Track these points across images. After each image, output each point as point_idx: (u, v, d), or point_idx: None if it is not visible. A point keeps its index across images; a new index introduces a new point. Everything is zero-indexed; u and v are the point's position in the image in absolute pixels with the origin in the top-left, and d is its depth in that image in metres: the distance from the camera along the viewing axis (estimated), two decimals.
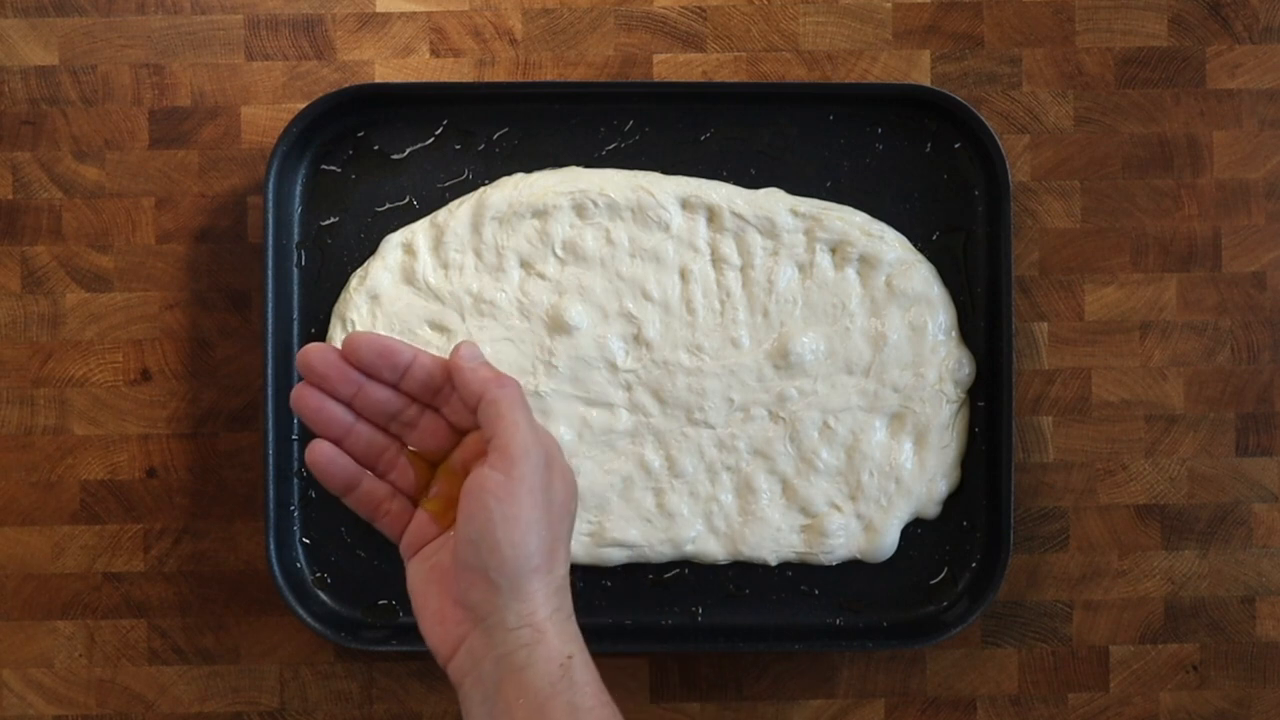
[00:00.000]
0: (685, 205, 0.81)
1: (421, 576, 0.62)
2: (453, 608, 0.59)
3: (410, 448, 0.64)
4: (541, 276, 0.81)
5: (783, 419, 0.81)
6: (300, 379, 0.63)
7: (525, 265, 0.81)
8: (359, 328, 0.81)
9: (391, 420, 0.63)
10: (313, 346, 0.61)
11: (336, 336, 0.81)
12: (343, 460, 0.63)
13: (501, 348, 0.80)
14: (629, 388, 0.81)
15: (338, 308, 0.82)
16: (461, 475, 0.62)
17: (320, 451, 0.62)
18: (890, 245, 0.81)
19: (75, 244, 0.83)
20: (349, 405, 0.62)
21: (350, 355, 0.61)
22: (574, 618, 0.60)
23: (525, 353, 0.81)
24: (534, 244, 0.81)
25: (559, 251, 0.81)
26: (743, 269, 0.81)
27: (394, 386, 0.62)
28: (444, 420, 0.63)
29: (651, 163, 0.82)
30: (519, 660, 0.57)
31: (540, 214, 0.81)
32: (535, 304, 0.81)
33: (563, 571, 0.59)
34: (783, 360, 0.81)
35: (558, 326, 0.80)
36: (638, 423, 0.81)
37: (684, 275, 0.81)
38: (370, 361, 0.61)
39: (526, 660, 0.57)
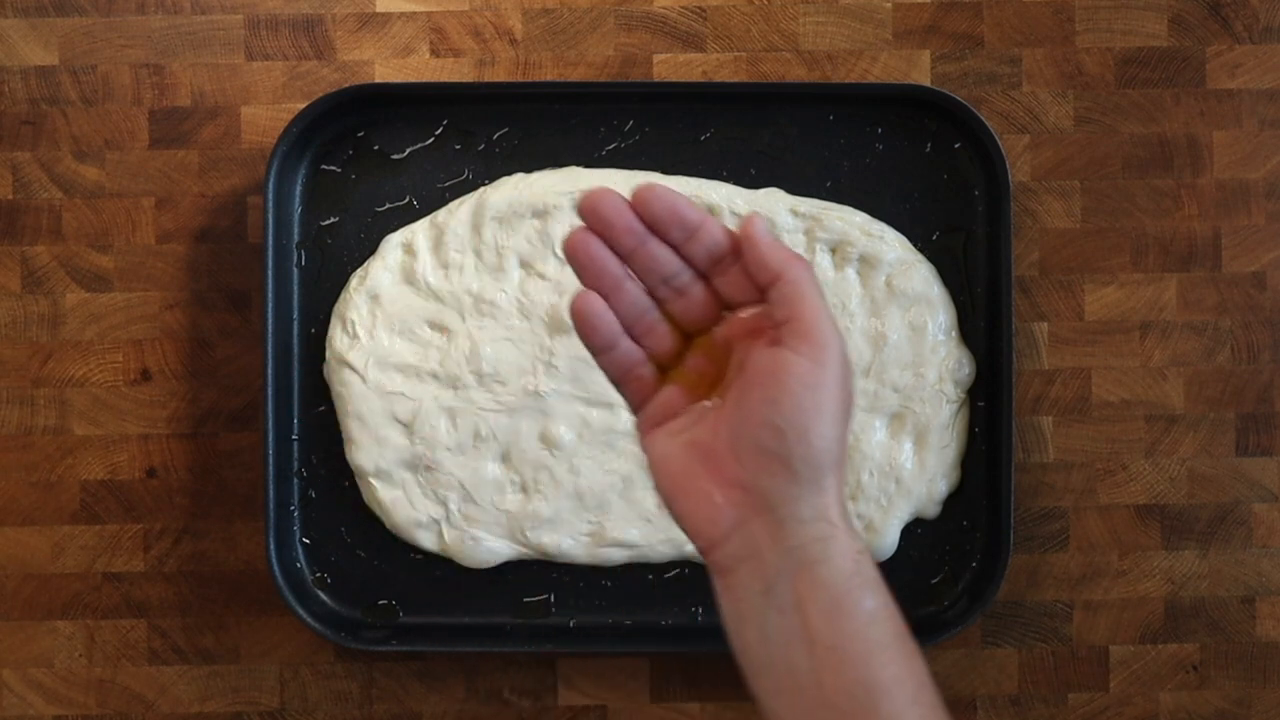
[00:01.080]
0: None
1: (679, 452, 0.57)
2: (730, 489, 0.55)
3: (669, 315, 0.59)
4: (541, 276, 0.81)
5: None
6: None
7: (525, 265, 0.81)
8: (359, 328, 0.81)
9: (662, 283, 0.58)
10: (602, 190, 0.56)
11: (336, 336, 0.81)
12: (609, 316, 0.57)
13: (501, 348, 0.80)
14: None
15: (338, 308, 0.82)
16: (723, 351, 0.57)
17: (590, 302, 0.57)
18: (890, 245, 0.81)
19: (75, 244, 0.83)
20: (625, 260, 0.57)
21: (640, 207, 0.56)
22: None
23: (525, 353, 0.81)
24: (534, 244, 0.81)
25: (559, 251, 0.81)
26: None
27: (675, 248, 0.57)
28: (714, 292, 0.58)
29: (651, 163, 0.82)
30: (814, 554, 0.54)
31: (540, 214, 0.81)
32: (535, 304, 0.81)
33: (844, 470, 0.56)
34: None
35: (558, 326, 0.80)
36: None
37: None
38: (660, 217, 0.56)
39: (822, 554, 0.54)
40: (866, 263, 0.81)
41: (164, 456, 0.83)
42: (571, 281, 0.80)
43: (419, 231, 0.82)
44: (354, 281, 0.81)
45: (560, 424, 0.80)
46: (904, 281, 0.81)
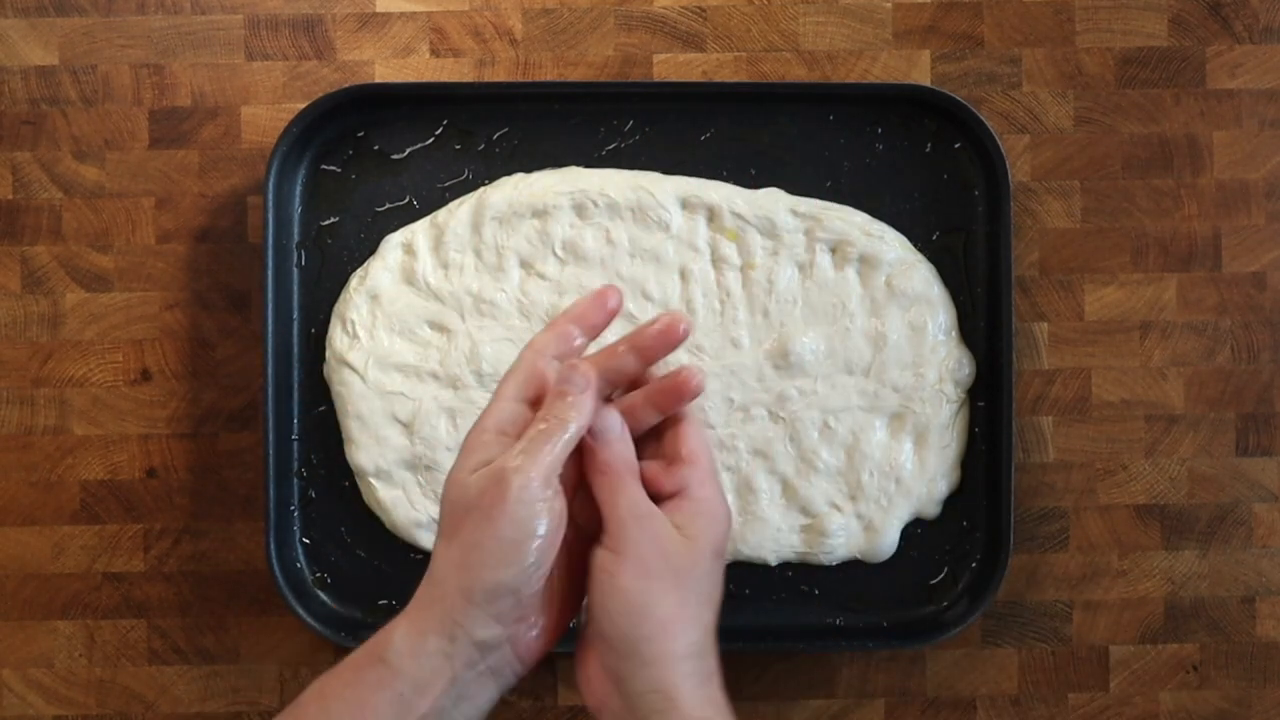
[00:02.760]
0: (685, 205, 0.81)
1: (583, 636, 0.61)
2: (597, 668, 0.59)
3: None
4: (541, 276, 0.81)
5: (782, 419, 0.81)
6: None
7: (525, 265, 0.81)
8: (359, 328, 0.81)
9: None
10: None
11: (336, 336, 0.81)
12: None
13: (502, 348, 0.80)
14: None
15: (338, 308, 0.82)
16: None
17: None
18: (890, 245, 0.81)
19: (75, 244, 0.83)
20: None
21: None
22: (715, 679, 0.59)
23: None
24: (534, 244, 0.81)
25: (559, 251, 0.81)
26: (742, 269, 0.81)
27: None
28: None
29: (651, 163, 0.82)
30: None
31: (540, 214, 0.81)
32: (535, 304, 0.81)
33: (694, 638, 0.58)
34: (782, 360, 0.81)
35: None
36: None
37: (684, 275, 0.81)
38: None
39: None
40: (866, 263, 0.81)
41: (164, 456, 0.83)
42: (573, 281, 0.81)
43: (419, 231, 0.81)
44: (354, 281, 0.81)
45: None
46: (904, 281, 0.81)
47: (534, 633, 0.59)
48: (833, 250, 0.82)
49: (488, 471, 0.57)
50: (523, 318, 0.81)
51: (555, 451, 0.57)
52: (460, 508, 0.57)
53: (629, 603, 0.57)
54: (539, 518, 0.55)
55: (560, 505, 0.57)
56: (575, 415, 0.58)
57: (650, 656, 0.57)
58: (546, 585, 0.58)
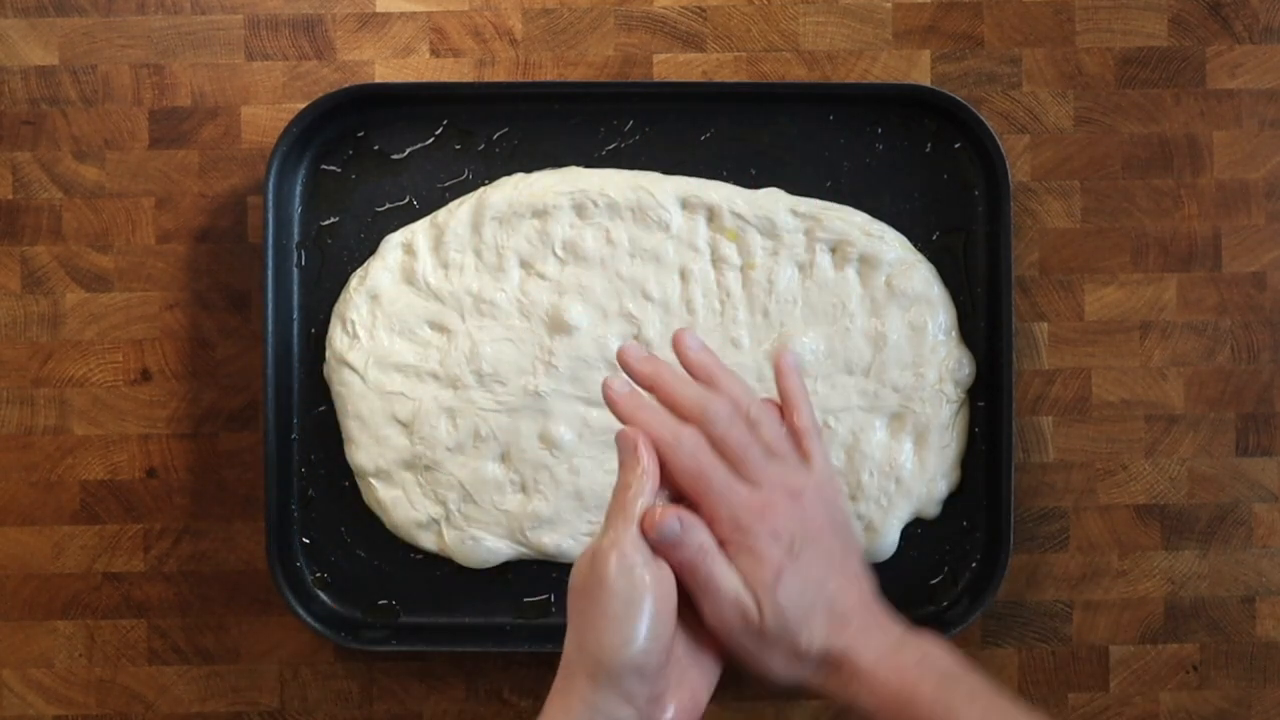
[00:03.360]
0: (685, 205, 0.81)
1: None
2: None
3: None
4: (541, 276, 0.81)
5: None
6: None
7: (525, 265, 0.81)
8: (359, 328, 0.81)
9: None
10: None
11: (336, 336, 0.81)
12: None
13: (501, 347, 0.80)
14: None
15: (338, 308, 0.82)
16: None
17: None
18: (890, 245, 0.81)
19: (75, 244, 0.83)
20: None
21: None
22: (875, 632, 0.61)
23: (525, 353, 0.81)
24: (534, 244, 0.81)
25: (559, 251, 0.81)
26: (742, 269, 0.81)
27: None
28: None
29: (651, 163, 0.82)
30: None
31: (540, 214, 0.81)
32: (535, 304, 0.81)
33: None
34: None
35: (558, 326, 0.80)
36: None
37: (684, 275, 0.81)
38: None
39: None
40: (866, 263, 0.81)
41: (164, 456, 0.83)
42: (573, 281, 0.81)
43: (419, 231, 0.81)
44: (354, 281, 0.81)
45: (560, 424, 0.80)
46: (904, 281, 0.81)
47: (668, 715, 0.59)
48: (833, 250, 0.82)
49: (586, 553, 0.59)
50: (523, 318, 0.81)
51: (636, 514, 0.58)
52: (573, 593, 0.59)
53: (757, 667, 0.61)
54: (642, 589, 0.57)
55: (666, 574, 0.58)
56: (640, 478, 0.60)
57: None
58: (675, 661, 0.59)
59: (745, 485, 0.61)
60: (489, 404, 0.80)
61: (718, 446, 0.62)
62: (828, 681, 0.61)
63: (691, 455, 0.61)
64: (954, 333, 0.82)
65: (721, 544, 0.60)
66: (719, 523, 0.60)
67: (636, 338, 0.80)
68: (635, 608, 0.56)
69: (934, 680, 0.60)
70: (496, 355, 0.80)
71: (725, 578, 0.60)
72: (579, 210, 0.81)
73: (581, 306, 0.80)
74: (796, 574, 0.60)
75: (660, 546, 0.59)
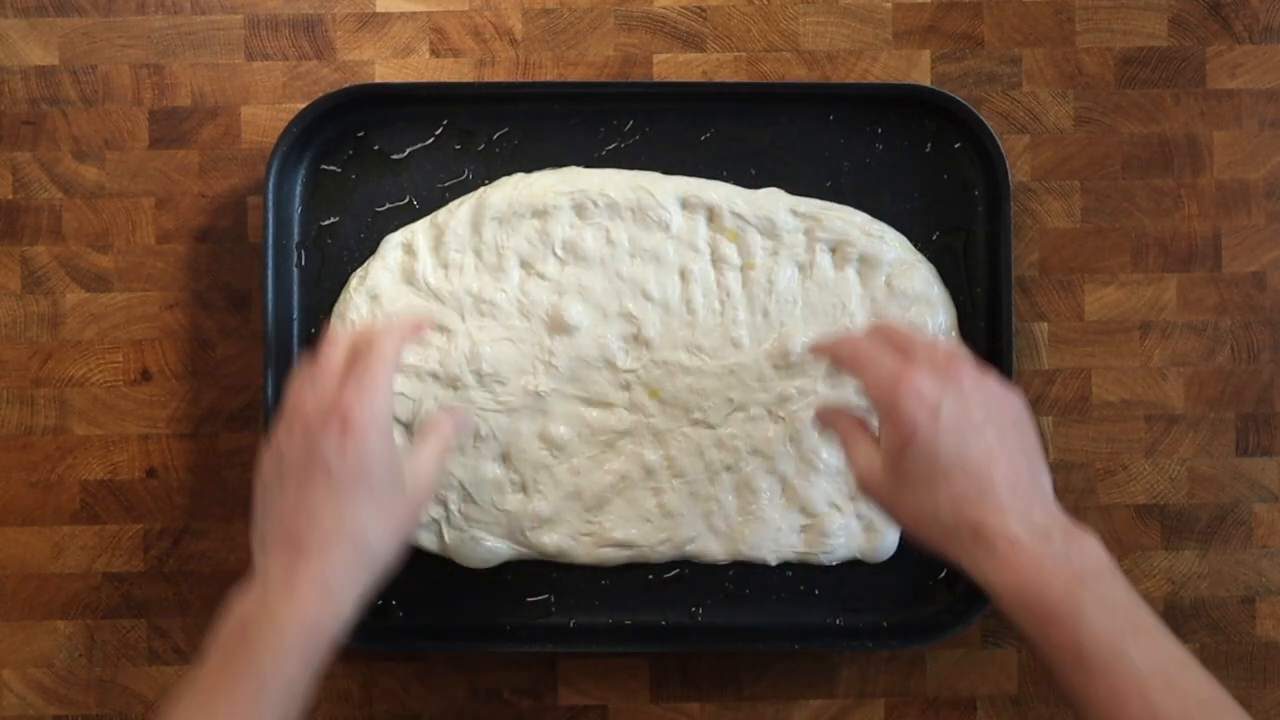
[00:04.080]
0: (685, 205, 0.81)
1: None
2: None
3: None
4: (541, 276, 0.81)
5: (782, 419, 0.81)
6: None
7: (525, 265, 0.81)
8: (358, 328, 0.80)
9: None
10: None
11: None
12: None
13: (501, 348, 0.80)
14: (628, 387, 0.81)
15: (338, 308, 0.82)
16: None
17: None
18: (890, 245, 0.81)
19: (75, 244, 0.83)
20: None
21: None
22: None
23: (525, 353, 0.81)
24: (534, 244, 0.81)
25: (559, 251, 0.81)
26: (742, 269, 0.81)
27: None
28: None
29: (651, 163, 0.82)
30: None
31: (540, 214, 0.81)
32: (535, 304, 0.81)
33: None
34: (782, 360, 0.81)
35: (558, 326, 0.80)
36: (637, 422, 0.81)
37: (684, 275, 0.81)
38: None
39: None
40: (866, 263, 0.81)
41: (164, 456, 0.83)
42: (573, 281, 0.81)
43: (419, 231, 0.81)
44: (354, 281, 0.81)
45: (560, 424, 0.80)
46: (904, 281, 0.81)
47: None
48: (833, 250, 0.81)
49: None
50: (523, 318, 0.81)
51: None
52: None
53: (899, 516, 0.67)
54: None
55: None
56: None
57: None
58: None
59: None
60: (489, 404, 0.80)
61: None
62: (963, 553, 0.63)
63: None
64: (954, 333, 0.82)
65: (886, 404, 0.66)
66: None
67: (636, 338, 0.80)
68: None
69: (1069, 577, 0.60)
70: (496, 355, 0.80)
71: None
72: (579, 210, 0.81)
73: (581, 306, 0.80)
74: (925, 440, 0.64)
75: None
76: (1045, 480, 0.66)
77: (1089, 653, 0.58)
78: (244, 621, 0.63)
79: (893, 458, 0.65)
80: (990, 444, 0.64)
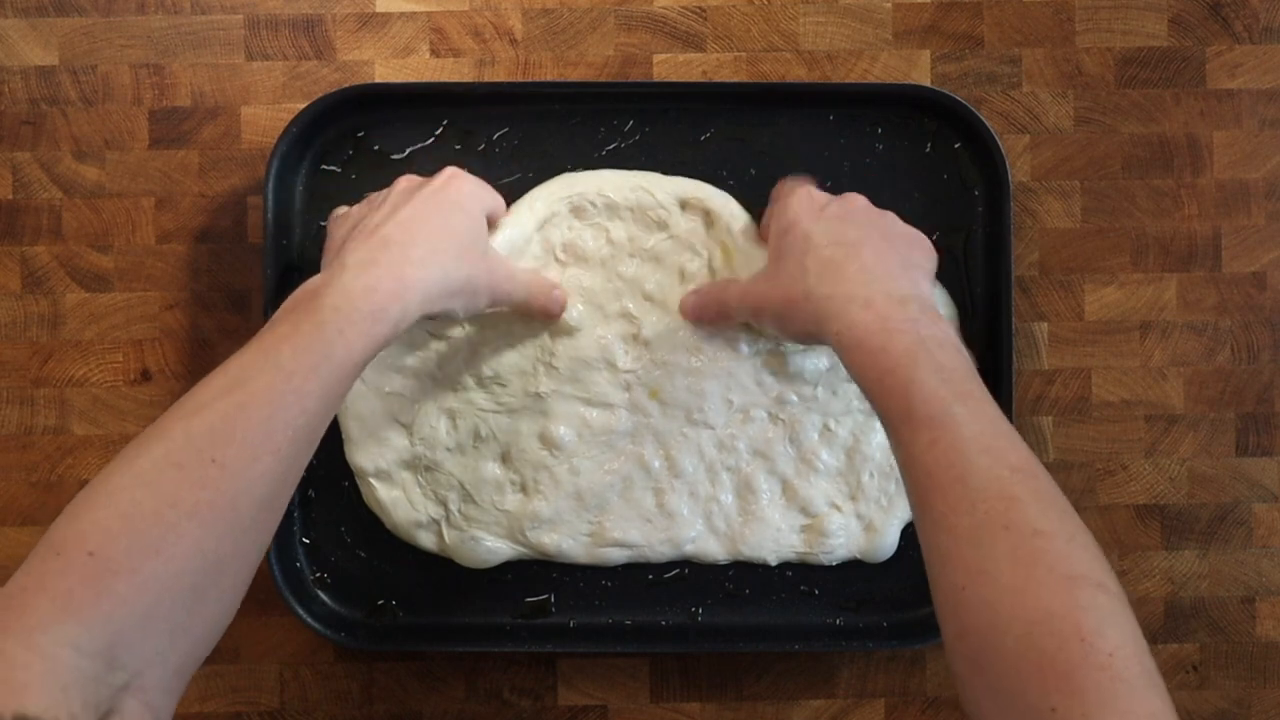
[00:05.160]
0: (685, 206, 0.81)
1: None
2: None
3: None
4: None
5: (782, 420, 0.81)
6: None
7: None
8: None
9: None
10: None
11: None
12: None
13: (501, 351, 0.80)
14: (629, 388, 0.80)
15: None
16: None
17: None
18: None
19: (75, 244, 0.83)
20: None
21: None
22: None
23: (526, 355, 0.80)
24: (537, 257, 0.80)
25: (560, 255, 0.81)
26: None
27: None
28: None
29: (651, 163, 0.82)
30: None
31: (541, 226, 0.80)
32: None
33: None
34: (781, 369, 0.80)
35: (558, 329, 0.80)
36: (638, 423, 0.81)
37: (683, 275, 0.81)
38: None
39: None
40: None
41: None
42: (573, 282, 0.80)
43: None
44: None
45: (560, 424, 0.80)
46: None
47: None
48: None
49: None
50: (523, 322, 0.80)
51: None
52: None
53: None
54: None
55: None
56: None
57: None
58: None
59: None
60: (489, 405, 0.80)
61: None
62: (825, 318, 0.67)
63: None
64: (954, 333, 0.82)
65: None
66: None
67: (636, 338, 0.80)
68: None
69: (914, 339, 0.63)
70: (497, 359, 0.80)
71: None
72: (576, 212, 0.80)
73: (582, 307, 0.80)
74: (805, 225, 0.71)
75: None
76: (922, 277, 0.71)
77: (917, 405, 0.61)
78: (315, 292, 0.65)
79: (774, 252, 0.73)
80: (870, 236, 0.71)
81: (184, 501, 0.57)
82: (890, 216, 0.74)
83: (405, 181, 0.74)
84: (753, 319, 0.75)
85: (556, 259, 0.80)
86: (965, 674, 0.57)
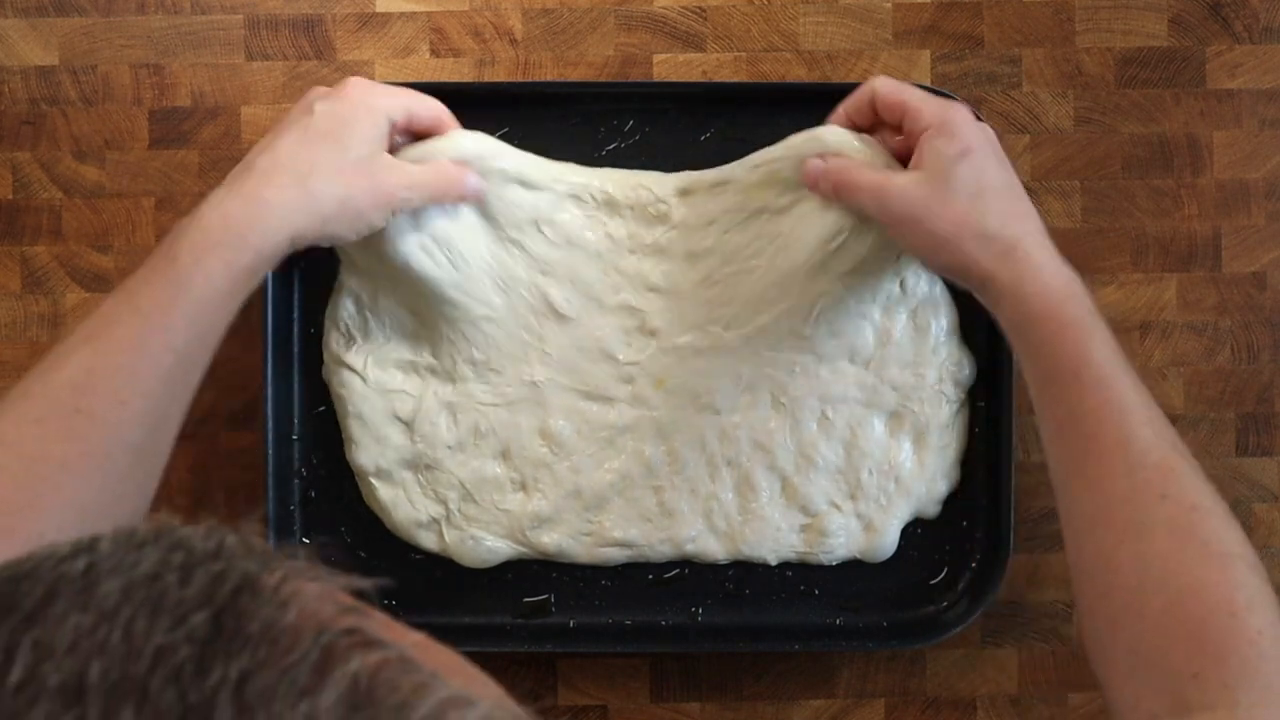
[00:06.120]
0: (684, 193, 0.80)
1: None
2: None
3: None
4: (518, 247, 0.79)
5: (783, 404, 0.80)
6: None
7: (494, 224, 0.78)
8: (353, 329, 0.80)
9: None
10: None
11: (332, 339, 0.80)
12: None
13: (486, 327, 0.79)
14: (631, 380, 0.80)
15: (329, 311, 0.80)
16: None
17: None
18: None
19: (75, 244, 0.83)
20: None
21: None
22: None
23: (513, 335, 0.79)
24: (518, 207, 0.79)
25: (544, 229, 0.79)
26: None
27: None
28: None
29: (651, 163, 0.82)
30: None
31: (530, 186, 0.78)
32: (513, 279, 0.79)
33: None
34: (794, 332, 0.79)
35: (545, 309, 0.79)
36: (639, 417, 0.80)
37: (693, 259, 0.80)
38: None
39: None
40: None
41: None
42: (561, 268, 0.80)
43: None
44: (337, 284, 0.81)
45: (559, 417, 0.80)
46: (912, 281, 0.81)
47: None
48: None
49: None
50: (500, 291, 0.78)
51: None
52: None
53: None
54: None
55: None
56: None
57: None
58: None
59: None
60: (488, 398, 0.80)
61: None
62: (999, 263, 0.67)
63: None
64: (956, 334, 0.82)
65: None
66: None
67: (641, 329, 0.80)
68: None
69: (1088, 305, 0.65)
70: (486, 342, 0.79)
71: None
72: (576, 200, 0.80)
73: (570, 292, 0.79)
74: (981, 157, 0.69)
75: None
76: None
77: (1093, 366, 0.62)
78: (173, 233, 0.64)
79: (942, 171, 0.68)
80: (1019, 184, 0.71)
81: (52, 455, 0.56)
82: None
83: (310, 94, 0.71)
84: (891, 224, 0.71)
85: (540, 231, 0.79)
86: (1105, 633, 0.58)
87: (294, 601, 0.31)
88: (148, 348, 0.60)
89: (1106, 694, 0.57)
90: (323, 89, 0.72)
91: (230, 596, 0.30)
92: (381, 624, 0.32)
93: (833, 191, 0.73)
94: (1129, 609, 0.57)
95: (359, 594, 0.33)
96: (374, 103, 0.71)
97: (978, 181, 0.69)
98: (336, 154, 0.68)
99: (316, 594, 0.31)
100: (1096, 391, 0.61)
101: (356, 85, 0.71)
